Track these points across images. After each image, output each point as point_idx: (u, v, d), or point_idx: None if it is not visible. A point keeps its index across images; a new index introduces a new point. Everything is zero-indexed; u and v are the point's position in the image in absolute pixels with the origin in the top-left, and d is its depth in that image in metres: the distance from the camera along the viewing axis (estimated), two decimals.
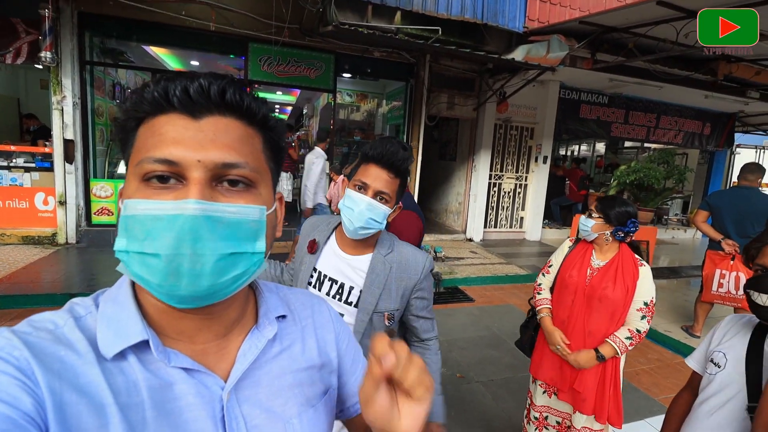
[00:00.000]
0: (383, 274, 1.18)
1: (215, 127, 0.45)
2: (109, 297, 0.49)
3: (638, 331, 1.74)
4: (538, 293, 2.05)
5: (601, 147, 12.59)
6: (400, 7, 4.79)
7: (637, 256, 1.83)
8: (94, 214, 5.44)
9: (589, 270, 1.86)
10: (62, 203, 5.13)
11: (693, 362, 1.23)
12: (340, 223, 1.24)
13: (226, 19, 5.20)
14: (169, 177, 0.43)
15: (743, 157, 10.12)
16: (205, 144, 0.43)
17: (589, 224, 1.85)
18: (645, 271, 1.78)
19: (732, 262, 3.44)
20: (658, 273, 6.04)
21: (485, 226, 7.43)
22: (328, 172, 5.54)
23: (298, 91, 9.10)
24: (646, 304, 1.76)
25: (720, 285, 3.49)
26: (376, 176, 1.12)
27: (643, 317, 1.76)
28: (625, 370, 3.35)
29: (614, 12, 4.38)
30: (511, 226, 7.75)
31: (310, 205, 5.18)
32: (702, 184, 10.17)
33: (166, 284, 0.42)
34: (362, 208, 1.11)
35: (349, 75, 6.61)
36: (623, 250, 1.83)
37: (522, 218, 7.81)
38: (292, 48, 5.72)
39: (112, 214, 5.51)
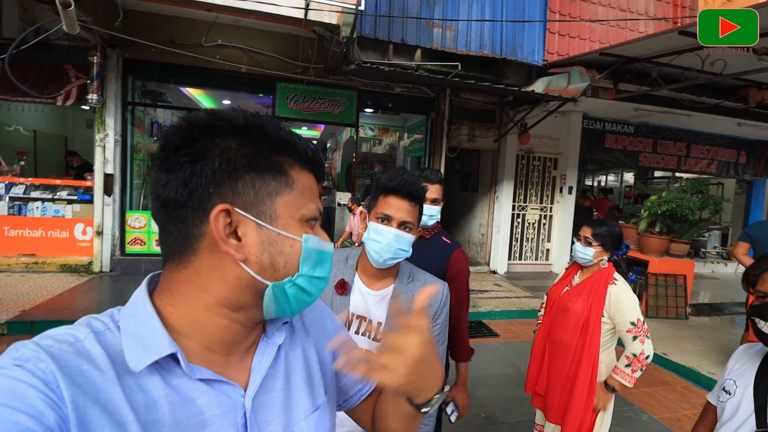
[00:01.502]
0: (406, 301, 1.21)
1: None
2: (128, 314, 0.50)
3: (634, 354, 1.74)
4: (539, 311, 2.19)
5: (629, 177, 12.26)
6: (420, 45, 4.98)
7: (616, 275, 1.88)
8: (128, 243, 5.67)
9: (567, 287, 2.00)
10: (99, 233, 5.39)
11: (711, 395, 1.24)
12: (359, 258, 1.27)
13: (257, 61, 5.53)
14: (316, 219, 0.57)
15: None
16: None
17: (589, 253, 1.91)
18: (615, 290, 1.82)
19: None
20: (698, 309, 5.67)
21: (510, 258, 7.25)
22: (345, 203, 5.65)
23: (322, 126, 9.43)
24: (633, 324, 1.77)
25: None
26: (399, 207, 1.15)
27: (635, 338, 1.75)
28: (667, 415, 3.14)
29: (635, 43, 4.39)
30: (536, 258, 7.53)
31: None
32: (741, 215, 9.65)
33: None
34: (390, 240, 1.13)
35: (371, 110, 6.83)
36: (603, 271, 1.89)
37: (548, 250, 7.59)
38: (316, 86, 5.98)
39: (145, 244, 5.73)
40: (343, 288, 1.21)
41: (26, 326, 3.64)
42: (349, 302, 1.22)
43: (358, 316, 1.21)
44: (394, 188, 1.15)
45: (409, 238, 1.17)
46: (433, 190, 1.60)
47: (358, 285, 1.23)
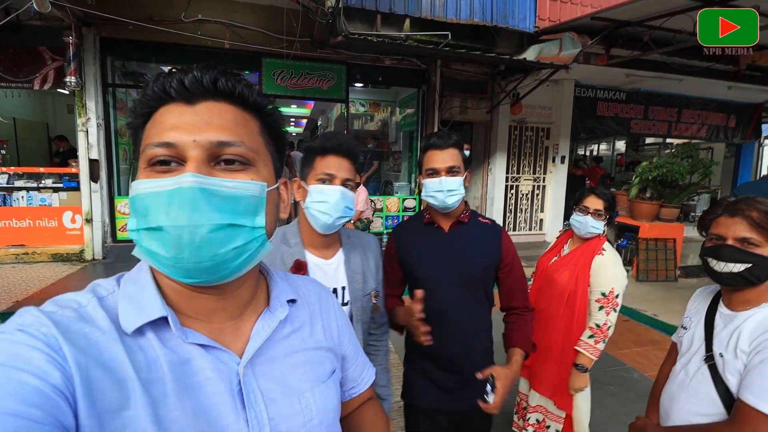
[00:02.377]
0: (358, 261, 1.26)
1: (210, 110, 0.48)
2: (129, 278, 0.52)
3: (597, 325, 1.74)
4: (530, 280, 2.12)
5: (621, 145, 12.30)
6: (408, 15, 4.83)
7: (605, 246, 1.83)
8: (119, 230, 5.61)
9: (556, 257, 1.96)
10: (89, 221, 5.31)
11: (674, 335, 1.35)
12: (299, 234, 1.22)
13: (240, 37, 5.34)
14: (170, 160, 0.46)
15: None
16: (201, 126, 0.46)
17: (600, 225, 1.82)
18: (602, 260, 1.78)
19: None
20: (687, 272, 5.81)
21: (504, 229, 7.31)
22: None
23: (312, 104, 9.23)
24: (603, 294, 1.75)
25: None
26: (339, 165, 1.14)
27: (601, 308, 1.75)
28: (657, 372, 3.25)
29: (627, 5, 4.30)
30: (530, 229, 7.61)
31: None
32: (730, 178, 9.79)
33: (171, 257, 0.44)
34: (337, 198, 1.11)
35: (360, 84, 6.68)
36: (593, 242, 1.84)
37: (541, 220, 7.66)
38: (304, 61, 5.82)
39: None
40: (301, 268, 1.16)
41: None
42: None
43: None
44: (333, 147, 1.13)
45: (353, 196, 1.17)
46: (447, 157, 1.31)
47: (312, 260, 1.19)
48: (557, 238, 2.08)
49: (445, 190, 1.30)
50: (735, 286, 1.08)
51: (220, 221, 0.45)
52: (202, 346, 0.49)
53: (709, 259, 1.10)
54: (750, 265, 1.03)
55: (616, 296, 1.75)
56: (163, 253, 0.44)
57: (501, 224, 1.48)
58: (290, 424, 0.54)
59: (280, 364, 0.56)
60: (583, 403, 1.85)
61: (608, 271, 1.78)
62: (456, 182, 1.31)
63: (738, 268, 1.04)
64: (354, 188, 1.18)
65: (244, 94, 0.50)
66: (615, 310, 1.75)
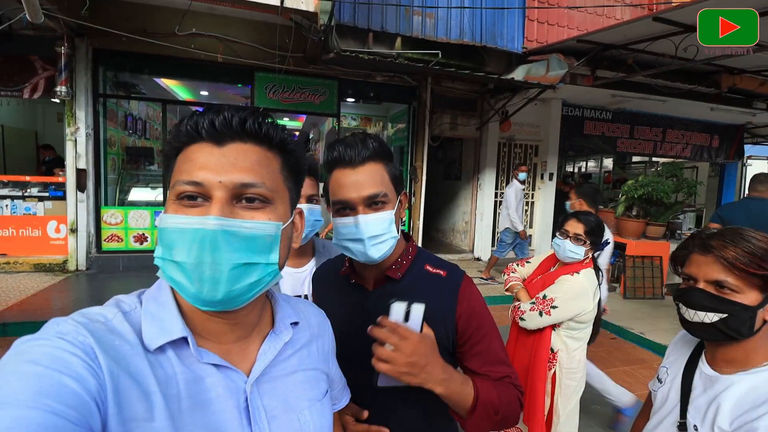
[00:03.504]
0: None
1: (236, 152, 0.52)
2: (150, 296, 0.55)
3: (519, 307, 1.81)
4: (512, 272, 2.09)
5: (609, 163, 12.51)
6: (400, 33, 4.93)
7: (583, 271, 1.78)
8: (105, 240, 5.52)
9: (540, 276, 1.93)
10: (74, 231, 5.23)
11: (650, 383, 1.16)
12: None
13: (233, 51, 5.39)
14: (196, 196, 0.50)
15: (755, 168, 9.93)
16: (227, 167, 0.51)
17: (580, 252, 1.77)
18: (567, 278, 1.76)
19: None
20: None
21: (493, 245, 7.34)
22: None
23: (304, 117, 9.29)
24: (544, 296, 1.75)
25: None
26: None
27: (532, 302, 1.78)
28: (644, 392, 3.23)
29: (611, 30, 4.45)
30: None
31: (520, 227, 5.68)
32: (714, 197, 9.98)
33: (192, 288, 0.48)
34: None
35: (352, 99, 6.75)
36: (575, 266, 1.80)
37: (530, 236, 7.71)
38: (296, 75, 5.88)
39: (122, 241, 5.59)
40: None
41: None
42: (280, 287, 1.20)
43: (295, 296, 1.23)
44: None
45: (318, 207, 1.20)
46: (364, 179, 0.84)
47: (286, 269, 1.20)
48: (548, 254, 2.05)
49: (365, 238, 0.83)
50: (711, 341, 0.91)
51: (237, 261, 0.49)
52: (214, 365, 0.53)
53: (680, 305, 0.93)
54: (725, 315, 0.84)
55: (553, 307, 1.69)
56: (185, 283, 0.49)
57: (462, 271, 0.96)
58: None
59: (282, 383, 0.60)
60: (562, 426, 1.81)
61: (563, 287, 1.73)
62: (382, 221, 0.84)
63: (711, 317, 0.86)
64: (318, 201, 1.20)
65: (270, 135, 0.54)
66: (540, 314, 1.71)
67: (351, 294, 0.95)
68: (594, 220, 1.80)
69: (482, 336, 0.90)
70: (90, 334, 0.45)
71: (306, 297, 1.24)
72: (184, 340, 0.51)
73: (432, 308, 0.84)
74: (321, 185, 1.21)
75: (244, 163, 0.51)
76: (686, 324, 0.93)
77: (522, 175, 5.76)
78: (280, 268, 0.56)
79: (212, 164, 0.50)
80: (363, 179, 0.83)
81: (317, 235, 1.37)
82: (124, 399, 0.44)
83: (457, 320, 0.89)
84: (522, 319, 1.78)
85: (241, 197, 0.51)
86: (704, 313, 0.87)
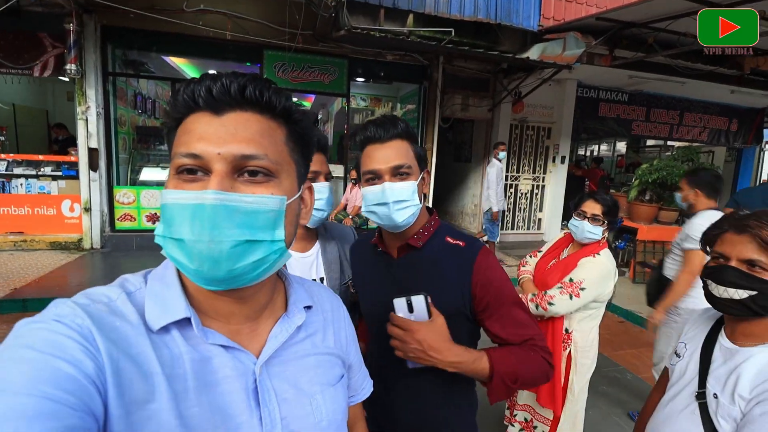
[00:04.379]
0: (334, 251, 1.23)
1: (236, 121, 0.48)
2: (156, 276, 0.54)
3: (545, 292, 1.76)
4: (522, 266, 2.09)
5: (622, 146, 12.28)
6: (412, 10, 4.79)
7: (601, 252, 1.78)
8: (118, 220, 5.60)
9: (554, 261, 1.92)
10: (87, 210, 5.30)
11: (666, 359, 1.22)
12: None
13: (242, 28, 5.30)
14: (195, 170, 0.47)
15: None
16: (226, 138, 0.47)
17: (598, 231, 1.78)
18: (590, 259, 1.75)
19: None
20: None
21: (502, 228, 7.31)
22: (337, 175, 5.52)
23: (313, 97, 9.19)
24: (571, 280, 1.73)
25: None
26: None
27: (560, 287, 1.74)
28: (650, 374, 3.27)
29: (632, 7, 4.27)
30: (528, 228, 7.62)
31: (495, 208, 5.70)
32: (730, 183, 9.78)
33: (192, 266, 0.46)
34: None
35: (362, 79, 6.65)
36: (593, 246, 1.80)
37: (540, 219, 7.66)
38: (305, 54, 5.78)
39: (135, 220, 5.66)
40: None
41: (18, 304, 3.62)
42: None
43: None
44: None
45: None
46: (392, 153, 0.94)
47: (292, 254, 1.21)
48: (557, 240, 2.05)
49: (390, 202, 0.92)
50: (737, 316, 0.94)
51: (239, 237, 0.46)
52: (222, 346, 0.51)
53: (708, 282, 0.96)
54: (755, 292, 0.88)
55: (582, 289, 1.69)
56: (185, 262, 0.47)
57: (481, 243, 1.02)
58: (301, 424, 0.56)
59: (294, 366, 0.58)
60: (576, 402, 1.84)
61: (588, 269, 1.73)
62: (406, 189, 0.93)
63: (740, 294, 0.89)
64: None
65: (272, 102, 0.50)
66: (571, 297, 1.70)
67: (379, 261, 1.06)
68: (610, 199, 1.81)
69: (501, 303, 0.95)
70: (88, 316, 0.44)
71: (315, 281, 1.22)
72: (189, 320, 0.50)
73: (450, 276, 0.96)
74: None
75: (244, 133, 0.48)
76: (713, 300, 0.96)
77: (501, 154, 5.71)
78: (288, 245, 0.53)
79: (210, 135, 0.47)
80: (390, 153, 0.93)
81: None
82: (125, 381, 0.43)
83: (473, 288, 0.95)
84: (551, 304, 1.73)
85: (242, 170, 0.48)
86: (734, 289, 0.90)
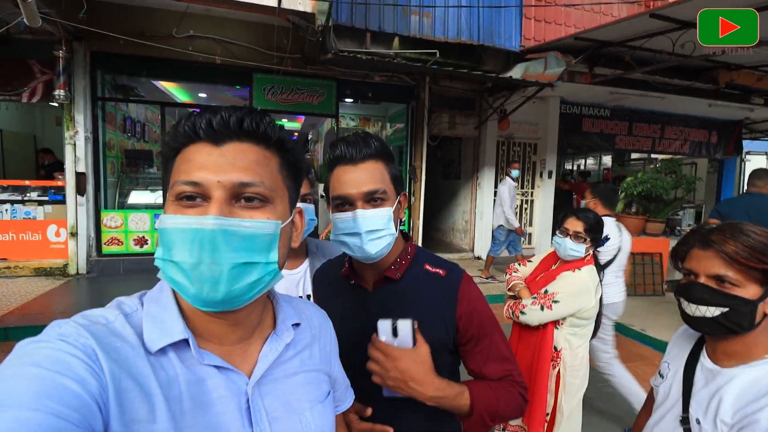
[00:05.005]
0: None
1: (234, 151, 0.52)
2: (151, 298, 0.55)
3: (520, 301, 1.80)
4: (514, 272, 2.08)
5: (608, 160, 12.52)
6: (397, 33, 4.94)
7: (584, 268, 1.79)
8: (105, 244, 5.52)
9: (542, 274, 1.93)
10: (74, 234, 5.23)
11: (652, 379, 1.16)
12: None
13: (231, 53, 5.39)
14: (195, 196, 0.50)
15: (753, 164, 9.96)
16: (225, 167, 0.50)
17: (581, 249, 1.79)
18: (569, 274, 1.78)
19: None
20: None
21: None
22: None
23: (302, 118, 9.29)
24: (546, 291, 1.75)
25: None
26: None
27: (533, 297, 1.78)
28: (645, 387, 3.25)
29: (608, 27, 4.45)
30: None
31: (507, 226, 5.72)
32: (713, 193, 9.99)
33: (191, 289, 0.48)
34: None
35: (350, 100, 6.76)
36: (578, 262, 1.81)
37: (530, 234, 7.72)
38: (294, 77, 5.88)
39: (122, 244, 5.59)
40: None
41: (0, 333, 3.52)
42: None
43: None
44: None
45: (311, 206, 1.22)
46: (365, 176, 0.86)
47: None
48: (548, 253, 2.05)
49: (363, 232, 0.83)
50: (712, 334, 0.91)
51: (237, 260, 0.49)
52: (216, 367, 0.53)
53: (681, 300, 0.93)
54: (726, 309, 0.85)
55: (554, 301, 1.70)
56: (184, 284, 0.49)
57: (461, 270, 0.95)
58: None
59: (283, 384, 0.59)
60: (566, 423, 1.80)
61: (565, 281, 1.74)
62: (380, 217, 0.84)
63: (712, 312, 0.86)
64: (311, 201, 1.23)
65: (267, 134, 0.54)
66: (542, 308, 1.71)
67: (351, 295, 0.95)
68: (593, 217, 1.80)
69: (483, 334, 0.90)
70: (91, 335, 0.45)
71: (302, 298, 1.24)
72: (186, 341, 0.51)
73: (432, 307, 0.89)
74: (320, 186, 1.26)
75: (242, 162, 0.51)
76: (688, 319, 0.93)
77: (515, 173, 5.78)
78: (280, 267, 0.55)
79: (211, 164, 0.50)
80: (363, 176, 0.84)
81: (316, 235, 1.37)
82: (126, 400, 0.44)
83: (457, 321, 0.89)
84: (523, 313, 1.76)
85: (239, 197, 0.51)
86: (705, 307, 0.87)
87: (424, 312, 0.89)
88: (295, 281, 1.23)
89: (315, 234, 1.37)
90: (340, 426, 0.82)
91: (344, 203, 0.86)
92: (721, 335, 0.89)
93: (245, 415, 0.53)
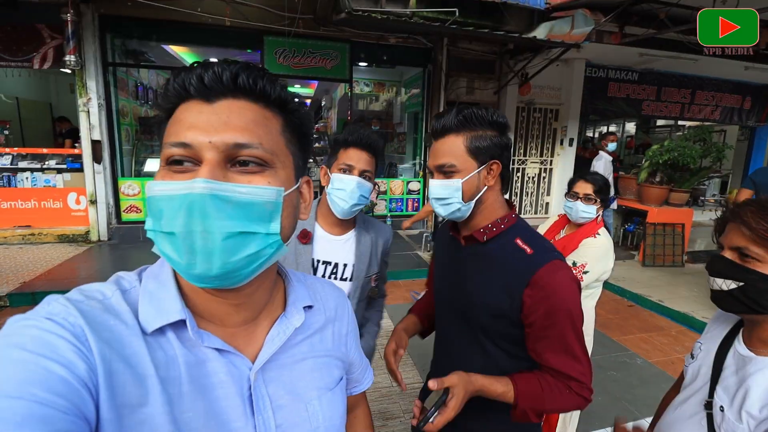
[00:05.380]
0: (368, 244, 1.34)
1: (228, 109, 0.46)
2: (151, 274, 0.51)
3: None
4: None
5: (631, 127, 12.03)
6: None
7: (601, 230, 1.81)
8: (124, 211, 5.62)
9: (552, 241, 1.90)
10: (93, 202, 5.32)
11: (686, 356, 1.13)
12: (317, 209, 1.34)
13: (241, 14, 5.20)
14: (184, 160, 0.45)
15: None
16: (218, 126, 0.45)
17: (592, 210, 1.82)
18: (591, 241, 1.78)
19: None
20: (695, 257, 5.75)
21: None
22: None
23: (315, 83, 9.08)
24: (574, 263, 1.74)
25: None
26: (359, 158, 1.23)
27: None
28: (661, 359, 3.24)
29: None
30: (536, 212, 7.54)
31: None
32: (742, 163, 9.56)
33: (184, 261, 0.44)
34: (353, 187, 1.21)
35: (365, 63, 6.53)
36: (591, 226, 1.82)
37: (547, 204, 7.57)
38: (306, 39, 5.68)
39: (140, 212, 5.68)
40: (305, 237, 1.28)
41: (28, 297, 3.66)
42: (313, 250, 1.29)
43: (324, 262, 1.30)
44: (354, 141, 1.23)
45: (369, 186, 1.25)
46: (445, 149, 0.97)
47: (320, 233, 1.31)
48: (552, 222, 2.06)
49: (433, 198, 1.01)
50: (730, 311, 0.88)
51: (231, 229, 0.44)
52: (217, 349, 0.50)
53: (708, 275, 0.91)
54: (742, 283, 0.82)
55: (585, 272, 1.72)
56: (175, 257, 0.44)
57: (554, 257, 0.92)
58: (297, 431, 0.55)
59: (290, 371, 0.56)
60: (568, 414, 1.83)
61: (590, 250, 1.76)
62: (445, 187, 0.96)
63: (728, 285, 0.84)
64: (371, 178, 1.27)
65: (266, 91, 0.48)
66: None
67: (450, 245, 1.12)
68: (600, 178, 1.86)
69: (551, 324, 0.89)
70: (81, 314, 0.42)
71: (336, 265, 1.31)
72: (184, 322, 0.48)
73: (503, 277, 0.94)
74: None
75: (237, 121, 0.45)
76: (712, 294, 0.91)
77: (611, 146, 5.54)
78: (285, 239, 0.50)
79: (202, 123, 0.45)
80: (440, 150, 0.97)
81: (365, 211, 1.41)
82: (117, 383, 0.41)
83: (523, 300, 0.90)
84: None
85: (235, 160, 0.46)
86: (722, 280, 0.86)
87: (492, 277, 0.96)
88: (338, 246, 1.32)
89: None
90: (359, 403, 0.80)
91: (431, 172, 1.02)
92: (741, 313, 0.86)
93: (247, 402, 0.50)
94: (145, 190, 0.46)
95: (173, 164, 0.45)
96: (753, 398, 0.80)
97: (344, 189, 1.21)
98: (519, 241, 0.96)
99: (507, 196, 1.06)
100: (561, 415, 1.83)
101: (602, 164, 5.46)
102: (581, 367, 0.91)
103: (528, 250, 0.93)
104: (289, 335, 0.56)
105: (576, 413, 1.87)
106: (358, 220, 1.37)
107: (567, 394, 0.90)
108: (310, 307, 0.62)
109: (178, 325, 0.48)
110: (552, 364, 0.91)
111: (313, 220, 1.32)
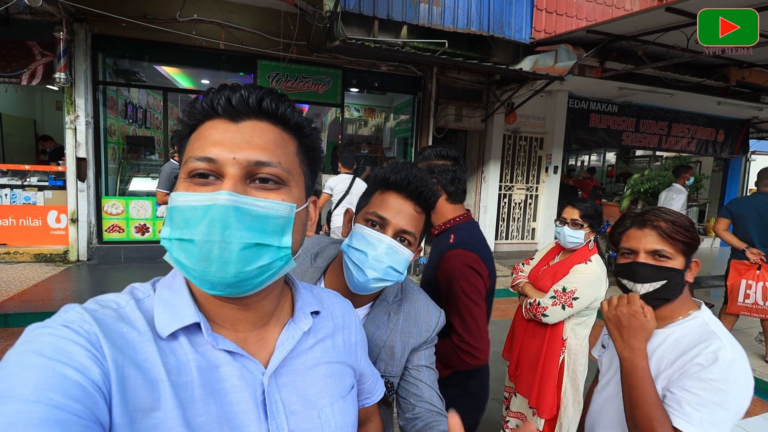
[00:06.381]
0: (385, 326, 0.90)
1: (252, 129, 0.50)
2: (164, 283, 0.54)
3: (539, 303, 1.80)
4: (520, 272, 2.12)
5: (611, 156, 12.45)
6: (406, 22, 4.83)
7: (593, 257, 1.84)
8: (105, 231, 5.47)
9: (545, 266, 1.98)
10: (74, 221, 5.17)
11: (594, 349, 1.31)
12: (330, 262, 0.96)
13: (235, 38, 5.29)
14: (208, 174, 0.48)
15: (759, 163, 9.89)
16: (241, 144, 0.48)
17: (580, 236, 1.85)
18: (582, 267, 1.81)
19: (758, 271, 3.29)
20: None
21: (496, 238, 7.31)
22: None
23: (306, 107, 9.18)
24: (564, 289, 1.77)
25: (747, 296, 3.34)
26: (399, 209, 0.84)
27: (552, 297, 1.78)
28: None
29: (622, 20, 4.35)
30: (522, 238, 7.62)
31: None
32: (718, 192, 9.95)
33: (199, 268, 0.46)
34: (380, 252, 0.81)
35: (356, 89, 6.66)
36: (583, 252, 1.86)
37: (534, 229, 7.68)
38: (299, 64, 5.78)
39: (123, 231, 5.54)
40: None
41: None
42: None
43: None
44: (396, 183, 0.84)
45: (407, 256, 0.84)
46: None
47: None
48: (549, 249, 2.10)
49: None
50: (656, 308, 0.99)
51: (249, 240, 0.46)
52: (230, 353, 0.51)
53: (625, 282, 1.03)
54: (665, 281, 0.96)
55: (575, 299, 1.74)
56: (191, 264, 0.46)
57: (461, 246, 1.26)
58: None
59: (303, 377, 0.57)
60: (570, 408, 1.84)
61: (580, 276, 1.78)
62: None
63: (655, 287, 0.97)
64: (414, 245, 0.87)
65: (287, 115, 0.52)
66: (563, 307, 1.74)
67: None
68: (589, 204, 1.90)
69: (450, 295, 1.20)
70: (96, 322, 0.44)
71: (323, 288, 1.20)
72: (197, 326, 0.50)
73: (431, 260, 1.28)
74: (323, 177, 1.32)
75: (259, 141, 0.49)
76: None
77: (690, 181, 5.14)
78: (293, 253, 0.53)
79: (227, 140, 0.48)
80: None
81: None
82: (129, 389, 0.43)
83: (437, 276, 1.24)
84: (545, 315, 1.77)
85: (254, 176, 0.49)
86: (650, 284, 0.98)
87: (432, 260, 1.33)
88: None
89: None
90: (372, 416, 0.80)
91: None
92: (661, 306, 1.00)
93: (261, 407, 0.51)
94: (169, 200, 0.49)
95: (197, 177, 0.48)
96: (665, 363, 0.96)
97: (365, 252, 0.82)
98: (452, 237, 1.26)
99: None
100: (559, 423, 1.83)
101: (681, 201, 4.93)
102: (465, 328, 1.17)
103: (451, 239, 1.25)
104: (299, 338, 0.58)
105: (574, 424, 1.84)
106: (390, 289, 0.94)
107: (452, 352, 1.18)
108: (317, 313, 0.63)
109: (192, 330, 0.49)
110: (452, 322, 1.17)
111: (320, 273, 0.95)
